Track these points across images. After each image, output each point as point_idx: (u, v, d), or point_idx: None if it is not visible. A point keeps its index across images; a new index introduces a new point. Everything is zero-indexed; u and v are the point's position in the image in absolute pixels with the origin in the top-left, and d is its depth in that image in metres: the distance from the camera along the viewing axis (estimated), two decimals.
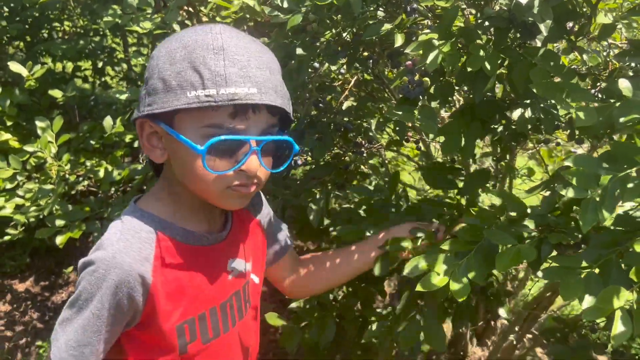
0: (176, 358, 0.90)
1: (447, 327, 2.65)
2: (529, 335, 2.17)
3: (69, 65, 2.84)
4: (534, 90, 0.95)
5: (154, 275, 0.84)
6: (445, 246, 1.01)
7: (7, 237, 2.17)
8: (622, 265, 0.88)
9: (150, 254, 0.85)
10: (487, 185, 1.25)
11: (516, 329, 2.20)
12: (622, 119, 0.85)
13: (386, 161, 1.84)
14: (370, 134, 1.58)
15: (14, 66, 2.08)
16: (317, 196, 1.50)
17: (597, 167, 0.80)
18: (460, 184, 1.21)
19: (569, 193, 0.78)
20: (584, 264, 0.91)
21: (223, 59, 0.78)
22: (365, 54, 1.48)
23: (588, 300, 0.84)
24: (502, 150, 1.39)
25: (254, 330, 1.06)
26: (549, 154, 2.15)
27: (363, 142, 1.63)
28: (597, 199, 0.78)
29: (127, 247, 0.83)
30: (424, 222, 1.16)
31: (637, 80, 0.90)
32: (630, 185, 0.78)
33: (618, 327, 0.77)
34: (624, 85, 0.90)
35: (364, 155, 1.66)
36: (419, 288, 0.94)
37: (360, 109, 1.51)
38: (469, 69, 1.04)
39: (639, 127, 0.82)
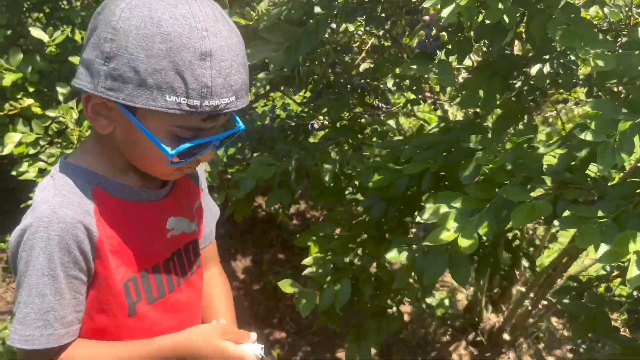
0: (124, 318, 0.85)
1: (462, 296, 2.67)
2: (544, 302, 2.17)
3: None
4: (554, 41, 0.94)
5: (98, 229, 0.80)
6: (457, 204, 1.01)
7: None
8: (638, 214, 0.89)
9: (90, 207, 0.80)
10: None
11: (531, 295, 2.21)
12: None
13: (402, 127, 1.84)
14: (388, 95, 1.58)
15: (36, 32, 2.11)
16: (332, 156, 1.50)
17: (616, 113, 0.79)
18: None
19: (588, 136, 0.79)
20: (600, 214, 0.92)
21: (210, 68, 0.73)
22: (383, 15, 1.48)
23: (603, 248, 0.85)
24: (521, 110, 1.38)
25: (199, 288, 1.01)
26: (567, 121, 2.13)
27: (380, 104, 1.63)
28: (615, 144, 0.78)
29: (65, 201, 0.77)
30: None
31: None
32: None
33: (633, 270, 0.78)
34: None
35: (382, 117, 1.66)
36: (426, 242, 0.95)
37: (377, 70, 1.50)
38: (487, 22, 1.04)
39: None
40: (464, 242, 0.97)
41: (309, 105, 1.68)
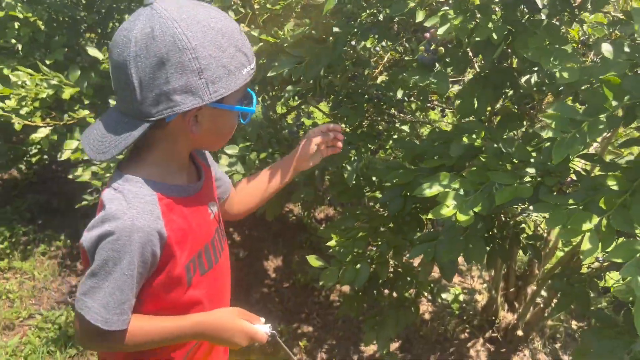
0: (184, 291, 1.04)
1: (480, 297, 2.79)
2: (556, 300, 2.28)
3: None
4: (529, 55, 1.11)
5: (167, 229, 0.96)
6: (456, 185, 1.19)
7: (84, 202, 2.47)
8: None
9: (159, 213, 0.95)
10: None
11: (544, 293, 2.33)
12: (601, 77, 1.00)
13: (416, 130, 2.01)
14: (403, 103, 1.75)
15: (92, 51, 2.38)
16: (352, 159, 1.69)
17: (572, 113, 0.96)
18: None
19: (548, 134, 0.95)
20: (571, 201, 1.07)
21: (245, 37, 0.98)
22: (394, 33, 1.66)
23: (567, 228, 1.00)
24: (519, 116, 1.54)
25: (228, 256, 1.22)
26: None
27: (395, 112, 1.80)
28: (572, 137, 0.94)
29: (140, 212, 0.92)
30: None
31: (618, 45, 1.05)
32: (600, 126, 0.93)
33: (587, 244, 0.93)
34: (606, 48, 1.05)
35: (397, 124, 1.83)
36: (429, 216, 1.12)
37: (392, 81, 1.69)
38: (477, 39, 1.21)
39: (611, 79, 0.96)
40: (461, 217, 1.13)
41: (331, 113, 1.87)
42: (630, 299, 0.92)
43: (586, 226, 0.94)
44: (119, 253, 0.90)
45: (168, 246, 0.97)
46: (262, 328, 1.05)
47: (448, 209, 1.13)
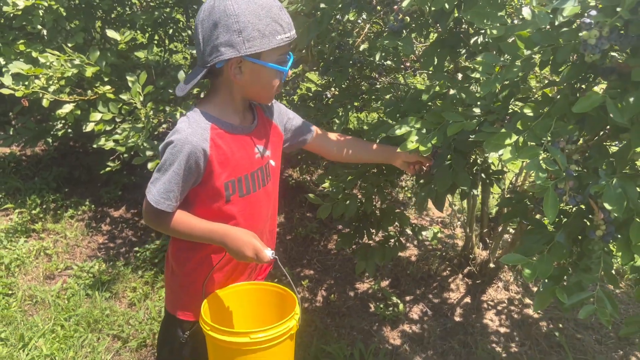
0: (223, 204, 1.39)
1: (461, 240, 3.15)
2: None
3: (146, 36, 3.46)
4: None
5: (210, 150, 1.32)
6: (418, 125, 1.53)
7: (107, 169, 2.81)
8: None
9: (208, 136, 1.32)
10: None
11: (511, 230, 2.69)
12: (517, 32, 1.34)
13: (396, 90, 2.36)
14: (382, 66, 2.09)
15: (111, 33, 2.70)
16: (340, 114, 2.03)
17: (495, 60, 1.30)
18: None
19: (477, 75, 1.29)
20: (503, 130, 1.42)
21: (285, 13, 1.30)
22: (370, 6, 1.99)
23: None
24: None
25: (273, 197, 1.56)
26: None
27: (376, 75, 2.14)
28: (494, 77, 1.28)
29: (194, 132, 1.30)
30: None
31: (542, 9, 1.38)
32: (514, 69, 1.28)
33: (507, 155, 1.28)
34: (526, 12, 1.39)
35: (377, 85, 2.17)
36: (399, 149, 1.47)
37: (371, 47, 2.03)
38: (433, 8, 1.55)
39: (522, 33, 1.30)
40: (422, 148, 1.47)
41: (322, 78, 2.21)
42: (543, 195, 1.27)
43: (507, 142, 1.29)
44: (173, 156, 1.29)
45: (209, 163, 1.33)
46: (267, 251, 1.34)
47: (412, 143, 1.48)
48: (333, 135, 1.70)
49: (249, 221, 1.46)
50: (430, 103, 1.69)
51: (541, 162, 1.21)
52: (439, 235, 3.10)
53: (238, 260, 1.38)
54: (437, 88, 1.62)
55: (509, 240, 2.67)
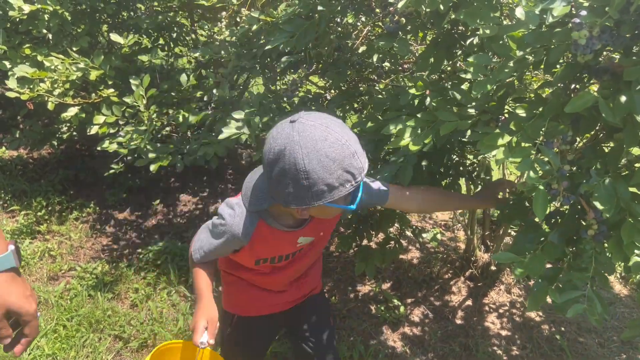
0: (253, 265, 1.57)
1: (462, 243, 3.15)
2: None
3: (148, 40, 3.49)
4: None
5: (251, 241, 1.43)
6: (411, 123, 1.53)
7: (112, 171, 2.84)
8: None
9: (251, 232, 1.41)
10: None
11: (512, 232, 2.69)
12: (508, 33, 1.34)
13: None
14: (380, 68, 2.10)
15: (114, 37, 2.73)
16: (338, 116, 2.04)
17: (487, 60, 1.31)
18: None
19: (468, 75, 1.30)
20: (497, 131, 1.42)
21: (358, 159, 1.23)
22: (367, 8, 2.00)
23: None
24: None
25: (313, 253, 1.65)
26: None
27: (375, 77, 2.15)
28: (486, 78, 1.29)
29: (238, 224, 1.41)
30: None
31: (532, 9, 1.39)
32: (506, 70, 1.28)
33: (500, 155, 1.28)
34: (519, 12, 1.39)
35: (376, 87, 2.18)
36: (389, 146, 1.47)
37: (369, 49, 2.04)
38: (427, 10, 1.55)
39: (514, 34, 1.30)
40: (413, 147, 1.48)
41: (321, 80, 2.22)
42: (534, 194, 1.27)
43: (500, 142, 1.29)
44: (216, 233, 1.46)
45: (246, 247, 1.46)
46: (202, 338, 1.40)
47: (404, 140, 1.49)
48: (411, 191, 1.68)
49: (278, 275, 1.65)
50: (411, 102, 1.69)
51: (533, 162, 1.21)
52: (441, 238, 3.09)
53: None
54: (414, 90, 1.62)
55: (510, 242, 2.66)
